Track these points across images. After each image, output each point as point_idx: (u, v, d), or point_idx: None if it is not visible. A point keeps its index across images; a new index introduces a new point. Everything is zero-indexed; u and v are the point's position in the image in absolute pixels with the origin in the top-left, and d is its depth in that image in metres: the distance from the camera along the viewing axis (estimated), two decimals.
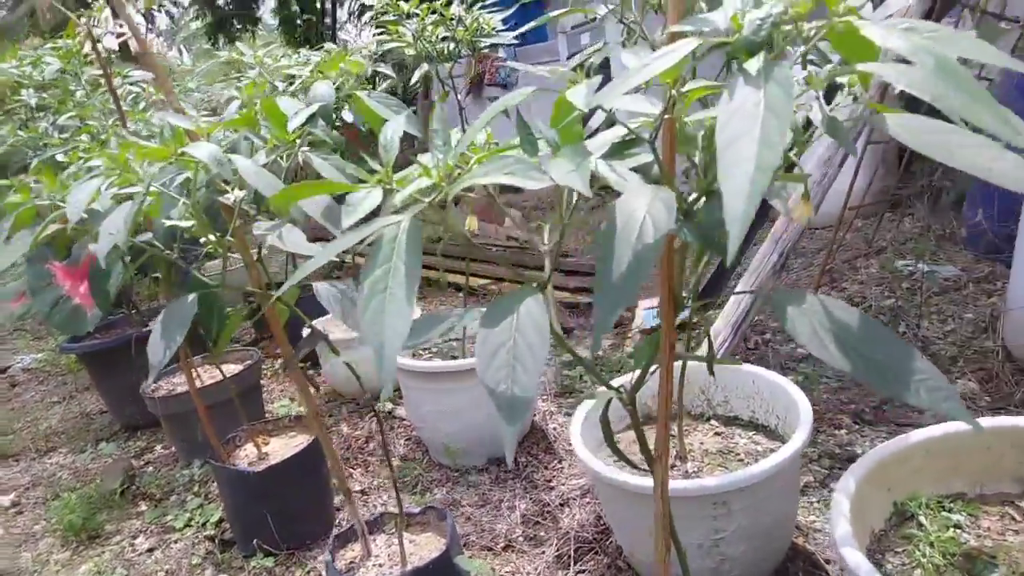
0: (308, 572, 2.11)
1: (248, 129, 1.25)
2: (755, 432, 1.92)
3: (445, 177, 0.69)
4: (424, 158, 0.77)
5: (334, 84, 1.52)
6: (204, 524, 2.39)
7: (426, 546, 1.76)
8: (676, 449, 1.85)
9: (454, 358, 2.66)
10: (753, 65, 0.53)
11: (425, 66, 2.19)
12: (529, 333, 0.69)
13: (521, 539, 2.10)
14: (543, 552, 2.03)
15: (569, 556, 1.98)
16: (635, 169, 0.80)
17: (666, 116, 0.75)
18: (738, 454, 1.84)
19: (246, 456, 2.25)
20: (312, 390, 1.63)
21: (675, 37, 0.76)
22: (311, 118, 1.28)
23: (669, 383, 0.91)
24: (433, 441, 2.59)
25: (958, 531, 1.41)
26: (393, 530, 1.81)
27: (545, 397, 2.82)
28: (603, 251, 0.62)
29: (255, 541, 2.12)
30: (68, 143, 2.24)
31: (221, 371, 2.46)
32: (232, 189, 1.30)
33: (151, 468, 2.86)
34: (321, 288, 1.39)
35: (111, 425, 3.27)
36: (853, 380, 2.66)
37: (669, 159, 0.77)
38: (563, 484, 2.31)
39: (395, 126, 0.84)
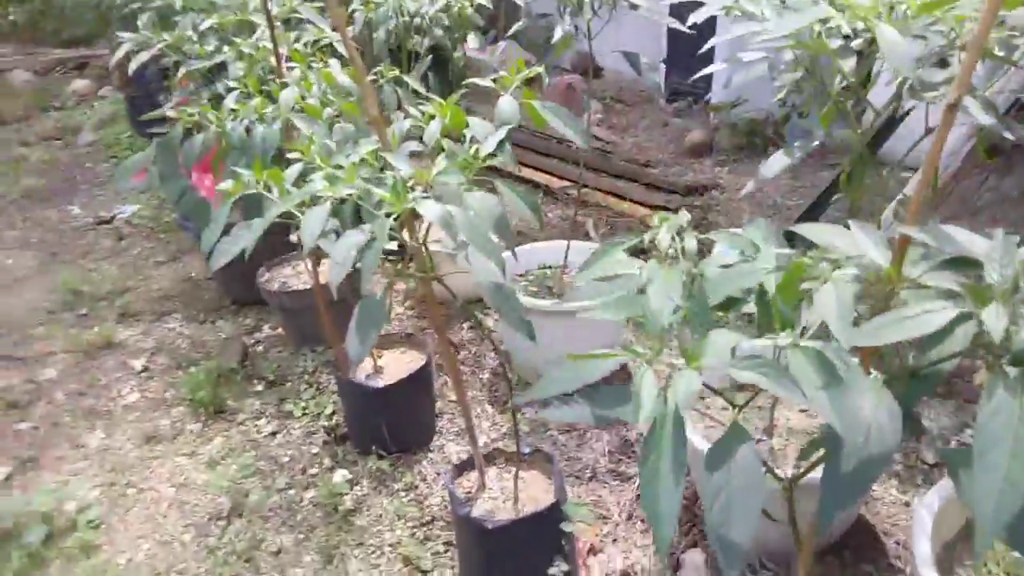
0: (416, 474, 2.41)
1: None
2: None
3: (701, 364, 0.81)
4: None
5: None
6: (318, 415, 2.69)
7: (533, 484, 2.01)
8: (764, 422, 2.03)
9: (549, 288, 2.83)
10: (1012, 371, 0.64)
11: None
12: (743, 478, 0.83)
13: (605, 472, 2.36)
14: (624, 488, 2.29)
15: None
16: None
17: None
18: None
19: (363, 368, 2.50)
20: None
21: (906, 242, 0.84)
22: (500, 144, 1.36)
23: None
24: (524, 363, 2.82)
25: None
26: (503, 464, 2.06)
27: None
28: (829, 446, 0.75)
29: (373, 447, 2.41)
30: (213, 56, 2.33)
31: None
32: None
33: (262, 348, 3.15)
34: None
35: (220, 298, 3.54)
36: None
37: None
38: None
39: (662, 297, 0.94)
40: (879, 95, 1.50)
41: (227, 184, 1.49)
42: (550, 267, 3.00)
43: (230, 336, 3.23)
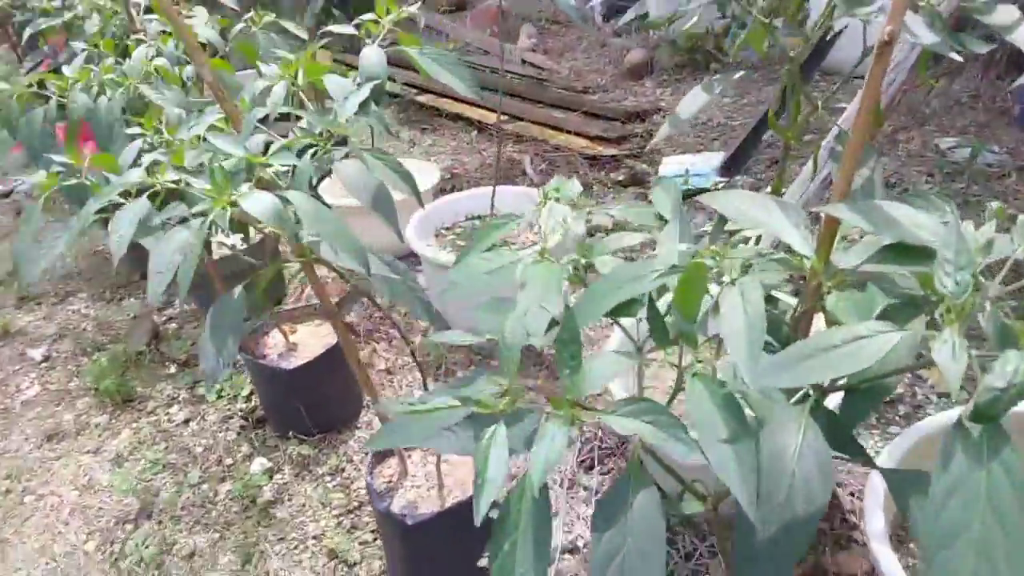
0: (342, 455, 2.23)
1: None
2: None
3: (574, 411, 0.61)
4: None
5: None
6: (235, 397, 2.48)
7: (461, 465, 1.84)
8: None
9: None
10: (976, 430, 0.45)
11: None
12: (642, 538, 0.65)
13: None
14: (567, 454, 2.13)
15: (593, 459, 2.09)
16: None
17: None
18: None
19: (274, 346, 2.27)
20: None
21: (834, 224, 0.64)
22: (364, 104, 1.11)
23: None
24: (454, 320, 2.62)
25: None
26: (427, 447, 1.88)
27: None
28: (740, 512, 0.57)
29: (291, 433, 2.22)
30: (63, 13, 2.02)
31: None
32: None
33: (175, 325, 2.90)
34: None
35: (129, 272, 3.25)
36: None
37: None
38: None
39: (519, 323, 0.73)
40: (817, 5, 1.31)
41: (39, 176, 1.23)
42: (479, 217, 2.78)
43: (139, 314, 2.97)
